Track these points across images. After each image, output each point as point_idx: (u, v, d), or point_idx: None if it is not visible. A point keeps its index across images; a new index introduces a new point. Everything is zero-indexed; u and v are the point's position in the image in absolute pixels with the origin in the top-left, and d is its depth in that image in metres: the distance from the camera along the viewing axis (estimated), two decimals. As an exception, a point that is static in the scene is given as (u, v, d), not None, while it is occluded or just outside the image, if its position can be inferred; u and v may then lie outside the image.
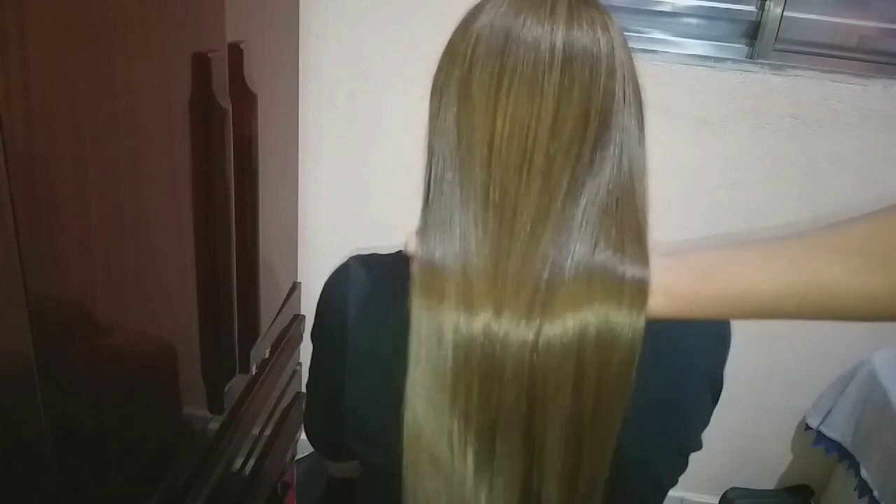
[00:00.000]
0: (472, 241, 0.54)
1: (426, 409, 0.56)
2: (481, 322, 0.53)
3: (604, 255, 0.53)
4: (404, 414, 0.57)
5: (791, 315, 0.52)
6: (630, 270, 0.53)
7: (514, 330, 0.53)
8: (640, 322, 0.53)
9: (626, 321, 0.53)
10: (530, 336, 0.53)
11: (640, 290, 0.53)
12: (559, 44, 0.54)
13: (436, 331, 0.55)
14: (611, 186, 0.55)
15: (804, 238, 0.52)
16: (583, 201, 0.54)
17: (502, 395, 0.55)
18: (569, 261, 0.53)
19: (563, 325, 0.53)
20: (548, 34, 0.54)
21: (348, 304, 0.66)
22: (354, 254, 0.70)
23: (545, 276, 0.53)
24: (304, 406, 0.84)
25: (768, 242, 0.53)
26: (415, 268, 0.56)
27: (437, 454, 0.57)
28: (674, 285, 0.54)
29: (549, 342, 0.53)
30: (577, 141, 0.54)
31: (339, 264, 0.70)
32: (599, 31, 0.56)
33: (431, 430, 0.57)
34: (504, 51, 0.54)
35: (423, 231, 0.57)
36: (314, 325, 0.72)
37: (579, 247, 0.53)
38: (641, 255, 0.54)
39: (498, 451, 0.57)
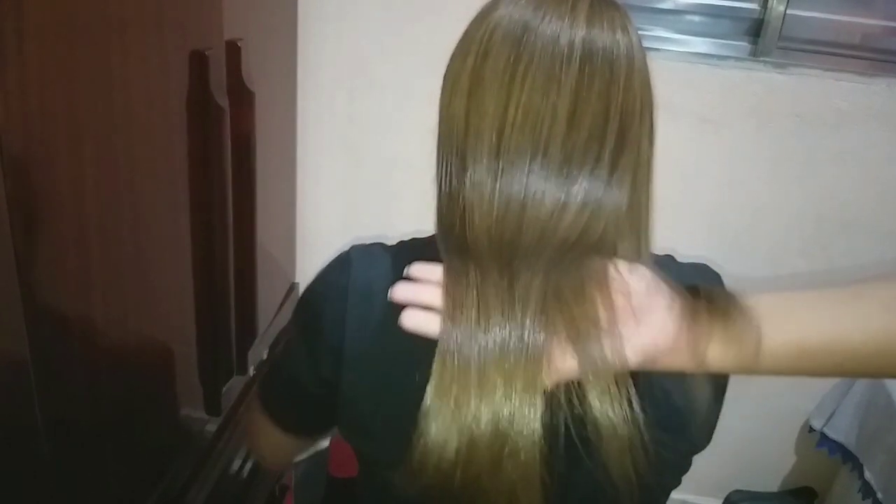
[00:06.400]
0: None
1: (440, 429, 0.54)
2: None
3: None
4: (417, 434, 0.54)
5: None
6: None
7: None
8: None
9: None
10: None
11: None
12: (578, 40, 0.54)
13: (454, 341, 0.53)
14: (630, 195, 0.55)
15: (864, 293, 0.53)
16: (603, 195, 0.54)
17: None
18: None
19: None
20: (567, 29, 0.54)
21: (349, 296, 0.65)
22: (355, 243, 0.69)
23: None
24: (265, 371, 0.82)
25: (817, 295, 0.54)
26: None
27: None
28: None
29: None
30: (595, 139, 0.54)
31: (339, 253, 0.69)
32: (619, 32, 0.56)
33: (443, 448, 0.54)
34: (521, 41, 0.54)
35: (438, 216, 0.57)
36: (302, 310, 0.70)
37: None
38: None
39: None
